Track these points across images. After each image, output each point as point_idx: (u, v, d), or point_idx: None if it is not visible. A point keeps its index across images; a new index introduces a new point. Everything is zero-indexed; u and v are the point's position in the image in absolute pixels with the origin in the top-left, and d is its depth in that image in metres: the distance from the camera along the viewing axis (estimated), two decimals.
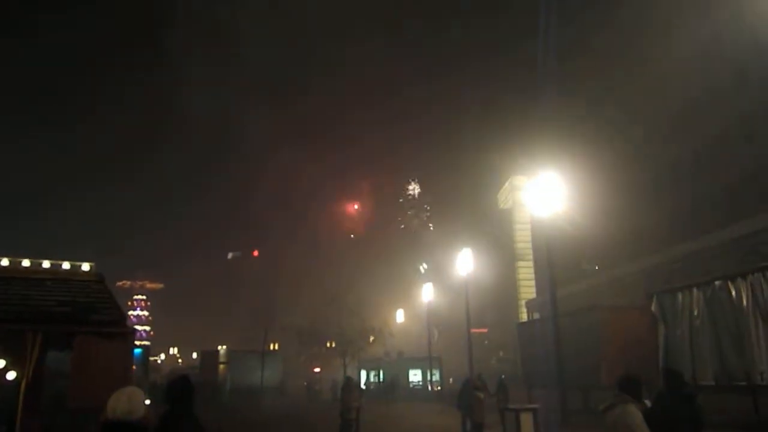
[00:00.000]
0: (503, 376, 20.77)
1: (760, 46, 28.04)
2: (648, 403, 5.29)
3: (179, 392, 4.15)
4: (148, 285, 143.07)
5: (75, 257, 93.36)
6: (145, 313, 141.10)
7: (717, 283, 15.59)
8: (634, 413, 5.02)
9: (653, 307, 18.10)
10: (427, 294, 43.72)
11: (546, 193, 21.85)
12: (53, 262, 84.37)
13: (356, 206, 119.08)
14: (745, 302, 14.37)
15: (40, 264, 79.85)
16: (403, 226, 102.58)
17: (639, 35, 39.30)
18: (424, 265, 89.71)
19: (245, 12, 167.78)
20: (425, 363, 43.04)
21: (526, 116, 56.96)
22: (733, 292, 14.84)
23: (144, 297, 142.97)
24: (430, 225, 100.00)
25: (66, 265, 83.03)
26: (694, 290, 16.39)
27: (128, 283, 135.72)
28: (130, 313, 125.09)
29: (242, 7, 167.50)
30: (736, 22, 29.69)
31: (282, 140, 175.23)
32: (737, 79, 30.50)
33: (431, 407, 30.03)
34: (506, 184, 70.03)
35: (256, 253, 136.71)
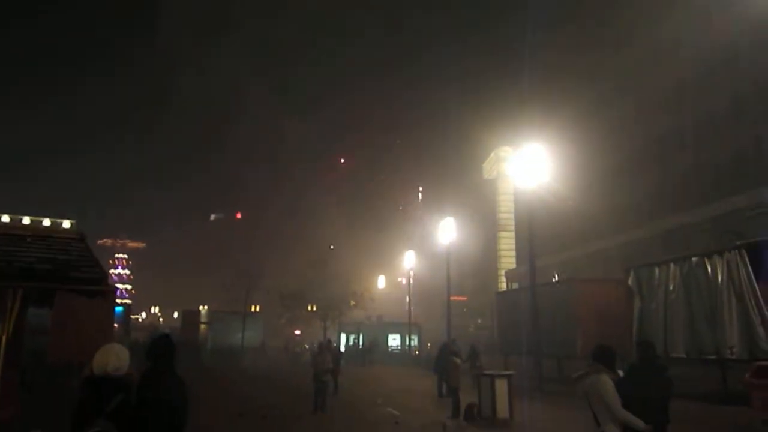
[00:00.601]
0: (473, 344, 21.12)
1: (750, 26, 27.98)
2: (621, 373, 5.44)
3: (161, 350, 4.19)
4: (130, 244, 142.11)
5: (56, 215, 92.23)
6: (127, 271, 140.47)
7: (694, 259, 15.92)
8: (606, 382, 5.16)
9: (630, 281, 18.47)
10: (409, 261, 44.09)
11: (530, 164, 21.92)
12: (33, 218, 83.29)
13: (342, 161, 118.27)
14: (720, 279, 14.72)
15: (20, 220, 78.76)
16: (401, 208, 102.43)
17: (628, 10, 38.98)
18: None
19: None
20: (404, 328, 43.67)
21: (512, 88, 56.62)
22: (709, 269, 15.18)
23: (125, 256, 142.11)
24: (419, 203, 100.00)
25: (46, 222, 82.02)
26: (671, 265, 16.74)
27: (109, 241, 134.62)
28: (111, 271, 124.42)
29: None
30: (726, 0, 29.56)
31: (269, 100, 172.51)
32: (726, 58, 30.48)
33: (409, 371, 30.64)
34: (491, 155, 70.02)
35: (239, 215, 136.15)
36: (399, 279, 70.19)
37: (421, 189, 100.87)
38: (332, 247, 72.68)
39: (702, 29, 31.59)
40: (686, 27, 32.93)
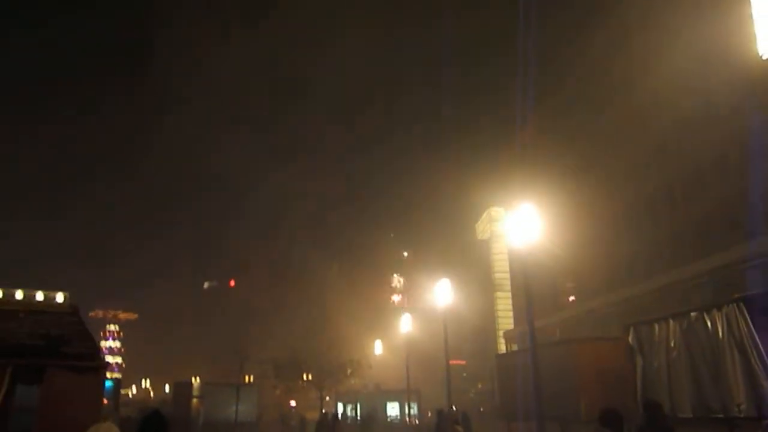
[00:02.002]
0: (464, 412, 20.50)
1: (728, 79, 29.02)
2: None
3: (153, 428, 4.05)
4: (121, 315, 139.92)
5: (48, 285, 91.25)
6: (117, 344, 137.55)
7: (693, 314, 15.78)
8: None
9: (630, 339, 18.20)
10: (406, 325, 43.45)
11: (523, 224, 22.04)
12: (26, 292, 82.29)
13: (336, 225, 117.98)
14: (720, 334, 14.54)
15: (13, 295, 77.70)
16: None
17: (613, 71, 40.49)
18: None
19: (230, 47, 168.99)
20: (403, 395, 42.50)
21: (502, 149, 57.87)
22: (709, 324, 15.01)
23: (117, 327, 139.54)
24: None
25: (39, 296, 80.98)
26: (671, 321, 16.56)
27: (101, 312, 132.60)
28: (102, 344, 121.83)
29: (227, 42, 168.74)
30: (705, 56, 30.77)
31: (262, 171, 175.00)
32: (708, 114, 31.38)
33: None
34: (484, 215, 70.62)
35: (233, 283, 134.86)
36: (396, 344, 69.08)
37: (414, 251, 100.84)
38: (327, 314, 71.85)
39: (682, 85, 32.73)
40: (666, 83, 34.12)
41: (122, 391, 66.58)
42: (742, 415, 13.71)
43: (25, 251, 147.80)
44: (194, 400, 42.72)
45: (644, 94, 36.34)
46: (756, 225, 26.95)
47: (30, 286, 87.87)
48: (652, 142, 36.09)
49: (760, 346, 13.54)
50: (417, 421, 40.92)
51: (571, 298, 44.32)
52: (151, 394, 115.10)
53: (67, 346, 5.09)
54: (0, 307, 5.92)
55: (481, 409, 44.50)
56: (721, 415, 14.51)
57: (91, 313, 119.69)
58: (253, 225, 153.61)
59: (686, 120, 32.76)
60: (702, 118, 31.76)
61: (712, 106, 31.06)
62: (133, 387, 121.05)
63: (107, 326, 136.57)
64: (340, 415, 36.51)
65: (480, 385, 61.86)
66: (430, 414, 40.58)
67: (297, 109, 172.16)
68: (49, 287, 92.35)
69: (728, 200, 30.12)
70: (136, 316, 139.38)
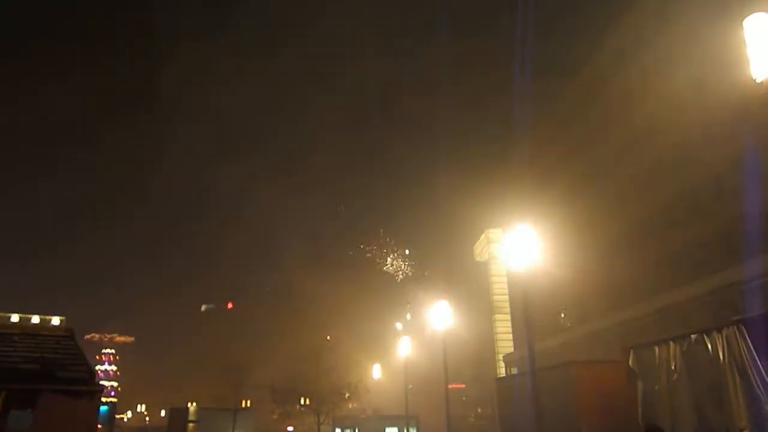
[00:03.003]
0: None
1: (723, 102, 29.29)
2: None
3: None
4: (118, 338, 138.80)
5: (44, 310, 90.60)
6: (113, 367, 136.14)
7: (693, 336, 15.67)
8: None
9: (631, 362, 18.05)
10: (404, 349, 43.06)
11: (521, 246, 22.00)
12: (23, 315, 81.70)
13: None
14: (721, 357, 14.42)
15: (9, 318, 77.06)
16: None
17: (611, 91, 40.90)
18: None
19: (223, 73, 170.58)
20: (402, 421, 41.92)
21: (501, 170, 58.16)
22: (710, 346, 14.90)
23: (112, 351, 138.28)
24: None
25: (35, 319, 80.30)
26: (671, 344, 16.44)
27: (97, 336, 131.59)
28: (98, 367, 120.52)
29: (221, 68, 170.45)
30: (701, 79, 31.12)
31: (258, 194, 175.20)
32: (703, 136, 31.62)
33: None
34: (482, 236, 70.55)
35: (230, 305, 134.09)
36: (395, 368, 68.45)
37: (411, 273, 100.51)
38: (328, 338, 71.28)
39: (678, 107, 33.04)
40: (662, 105, 34.45)
41: (117, 416, 65.62)
42: None
43: (21, 276, 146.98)
44: (190, 425, 42.15)
45: (641, 116, 36.66)
46: (752, 246, 26.97)
47: (26, 311, 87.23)
48: (650, 164, 36.28)
49: (762, 368, 13.43)
50: None
51: (571, 320, 44.07)
52: (147, 419, 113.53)
53: (62, 370, 5.03)
54: None
55: None
56: None
57: (87, 336, 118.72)
58: (251, 249, 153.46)
59: (683, 142, 32.99)
60: (698, 141, 32.00)
61: (707, 129, 31.31)
62: (129, 412, 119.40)
63: (103, 350, 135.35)
64: None
65: (480, 410, 61.17)
66: None
67: (296, 131, 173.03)
68: (46, 312, 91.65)
69: (725, 222, 30.18)
70: (132, 339, 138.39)
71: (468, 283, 71.73)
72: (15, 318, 77.95)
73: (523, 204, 37.98)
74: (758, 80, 16.62)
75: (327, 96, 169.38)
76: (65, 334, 5.58)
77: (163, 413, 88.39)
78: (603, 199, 40.69)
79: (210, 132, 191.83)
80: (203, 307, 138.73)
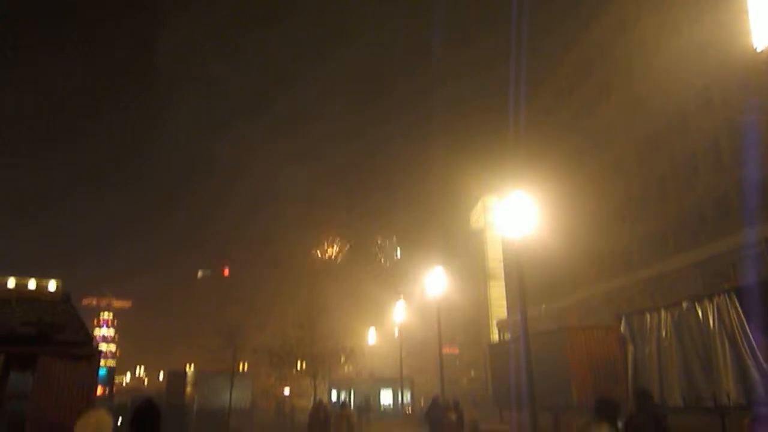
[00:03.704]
0: (455, 399, 20.40)
1: (723, 71, 29.04)
2: (620, 425, 5.34)
3: (146, 416, 4.03)
4: (115, 303, 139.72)
5: (41, 272, 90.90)
6: (111, 331, 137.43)
7: (684, 304, 15.89)
8: None
9: (622, 328, 18.34)
10: (399, 314, 43.59)
11: (516, 213, 22.07)
12: (19, 280, 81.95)
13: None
14: (711, 324, 14.66)
15: (5, 283, 77.37)
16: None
17: (608, 59, 40.44)
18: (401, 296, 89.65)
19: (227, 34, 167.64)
20: (397, 383, 42.72)
21: (497, 138, 57.90)
22: (700, 314, 15.13)
23: (110, 315, 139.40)
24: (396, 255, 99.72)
25: (32, 284, 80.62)
26: (662, 311, 16.68)
27: (95, 300, 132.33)
28: (96, 331, 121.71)
29: (224, 27, 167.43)
30: (701, 48, 30.76)
31: (257, 161, 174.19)
32: (702, 103, 31.44)
33: (405, 429, 29.78)
34: (478, 204, 70.69)
35: (226, 272, 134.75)
36: (390, 332, 69.39)
37: (408, 241, 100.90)
38: (321, 303, 71.96)
39: (677, 76, 32.74)
40: (661, 75, 34.12)
41: (116, 379, 66.65)
42: (731, 404, 13.87)
43: (17, 240, 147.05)
44: (188, 388, 42.83)
45: (639, 85, 36.35)
46: (748, 216, 27.11)
47: (22, 275, 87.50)
48: (646, 133, 36.14)
49: (751, 335, 13.67)
50: (410, 410, 41.18)
51: (564, 288, 44.54)
52: (145, 382, 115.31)
53: (60, 333, 5.08)
54: None
55: (473, 398, 44.76)
56: (710, 404, 14.67)
57: (85, 301, 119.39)
58: (247, 215, 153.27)
59: (681, 111, 32.80)
60: (696, 109, 31.81)
61: (706, 97, 31.10)
62: (128, 374, 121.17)
63: (101, 314, 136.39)
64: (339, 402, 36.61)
65: (473, 373, 62.29)
66: (423, 402, 40.81)
67: (293, 101, 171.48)
68: (42, 276, 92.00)
69: (721, 191, 30.26)
70: (129, 303, 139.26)
71: (463, 250, 72.18)
72: (11, 283, 78.28)
73: (519, 172, 37.91)
74: (759, 49, 16.44)
75: (325, 68, 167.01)
76: (62, 298, 5.64)
77: (161, 376, 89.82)
78: (599, 168, 40.66)
79: (207, 102, 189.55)
80: (200, 274, 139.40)
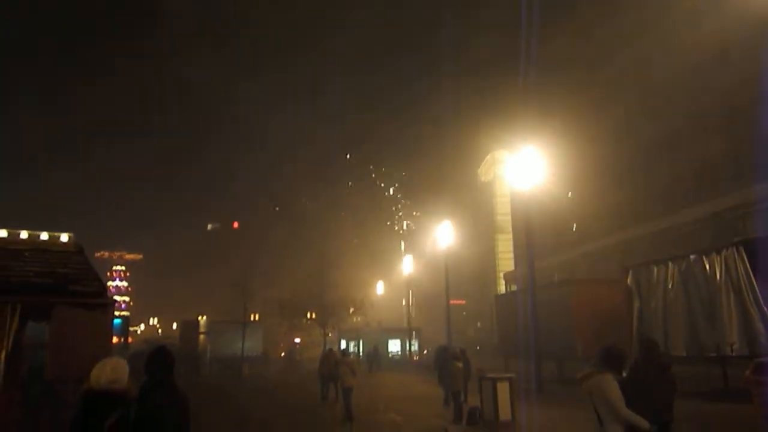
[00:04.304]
0: (461, 348, 20.68)
1: (739, 21, 28.16)
2: (624, 374, 5.44)
3: (159, 362, 4.13)
4: (127, 256, 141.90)
5: (52, 227, 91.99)
6: (125, 283, 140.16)
7: (692, 257, 15.94)
8: (611, 382, 5.17)
9: (629, 281, 18.48)
10: (408, 266, 44.07)
11: (526, 166, 21.96)
12: (31, 232, 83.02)
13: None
14: (718, 276, 14.74)
15: (18, 235, 78.40)
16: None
17: (620, 12, 39.17)
18: (407, 224, 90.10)
19: None
20: (404, 333, 43.58)
21: (507, 91, 56.87)
22: (707, 267, 15.20)
23: (123, 268, 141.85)
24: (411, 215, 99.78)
25: (44, 236, 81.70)
26: (669, 264, 16.75)
27: (106, 254, 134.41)
28: (109, 283, 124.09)
29: None
30: None
31: (269, 114, 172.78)
32: (718, 56, 30.65)
33: (410, 377, 30.54)
34: (487, 157, 70.18)
35: (236, 225, 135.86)
36: (398, 284, 70.27)
37: (417, 194, 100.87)
38: (331, 255, 72.65)
39: (692, 28, 31.78)
40: (676, 27, 33.12)
41: (131, 329, 68.34)
42: (734, 354, 14.08)
43: (29, 193, 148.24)
44: (201, 337, 43.93)
45: (655, 36, 35.30)
46: (761, 169, 26.74)
47: (34, 229, 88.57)
48: (661, 85, 35.37)
49: (757, 288, 13.75)
50: (417, 358, 42.14)
51: (572, 240, 44.63)
52: (159, 331, 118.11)
53: (74, 284, 5.18)
54: (5, 246, 5.98)
55: (477, 347, 45.62)
56: (714, 354, 14.90)
57: (97, 254, 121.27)
58: (257, 168, 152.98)
59: (696, 63, 31.98)
60: (712, 61, 31.02)
61: (723, 50, 30.27)
62: (141, 325, 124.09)
63: (113, 267, 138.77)
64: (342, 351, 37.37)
65: (479, 324, 63.26)
66: (426, 351, 41.69)
67: (307, 55, 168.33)
68: (54, 229, 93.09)
69: (734, 144, 29.80)
70: (141, 256, 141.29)
71: (472, 203, 72.13)
72: (24, 235, 79.35)
73: (529, 126, 37.40)
74: None
75: (340, 29, 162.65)
76: (75, 249, 5.72)
77: (174, 326, 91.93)
78: (611, 121, 40.02)
79: (219, 55, 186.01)
80: (209, 227, 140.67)
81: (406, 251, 52.61)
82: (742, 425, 9.71)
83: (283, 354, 48.50)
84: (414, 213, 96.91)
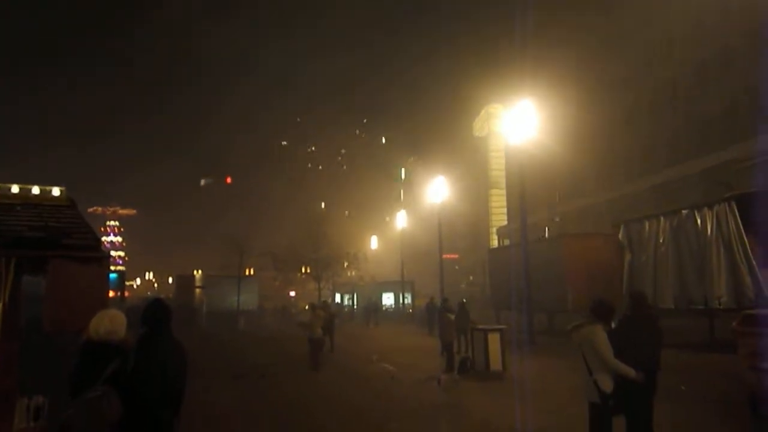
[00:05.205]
0: (462, 301, 20.97)
1: None
2: (613, 325, 5.55)
3: (156, 314, 4.17)
4: (120, 211, 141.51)
5: (43, 182, 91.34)
6: (119, 239, 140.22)
7: (684, 212, 16.05)
8: (600, 332, 5.29)
9: (620, 235, 18.65)
10: (402, 221, 44.21)
11: (520, 121, 21.78)
12: (22, 186, 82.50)
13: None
14: (709, 231, 14.88)
15: (9, 189, 77.92)
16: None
17: None
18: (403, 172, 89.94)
19: None
20: (398, 287, 44.11)
21: (502, 45, 55.87)
22: (699, 221, 15.33)
23: (117, 223, 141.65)
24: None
25: (35, 190, 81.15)
26: (662, 219, 16.89)
27: (100, 209, 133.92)
28: (104, 239, 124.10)
29: None
30: None
31: (259, 68, 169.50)
32: (716, 9, 30.09)
33: (403, 329, 31.12)
34: (482, 112, 69.51)
35: (229, 179, 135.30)
36: (392, 239, 70.67)
37: (412, 149, 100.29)
38: (326, 209, 72.76)
39: None
40: None
41: (127, 283, 68.83)
42: (721, 307, 14.36)
43: (19, 148, 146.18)
44: (197, 291, 44.32)
45: None
46: (756, 125, 26.65)
47: (24, 183, 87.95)
48: (658, 38, 34.82)
49: (747, 243, 13.92)
50: (410, 310, 42.80)
51: (565, 195, 44.77)
52: (155, 285, 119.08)
53: (68, 237, 5.16)
54: None
55: (464, 300, 46.33)
56: (701, 307, 15.20)
57: (90, 210, 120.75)
58: (248, 121, 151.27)
59: (695, 16, 31.41)
60: (711, 14, 30.46)
61: (723, 3, 29.69)
62: (137, 280, 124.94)
63: (107, 222, 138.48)
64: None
65: (471, 278, 64.07)
66: (413, 304, 42.29)
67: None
68: (44, 184, 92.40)
69: (731, 99, 29.60)
70: (134, 212, 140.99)
71: (466, 158, 71.87)
72: (15, 189, 78.84)
73: (524, 80, 36.91)
74: None
75: None
76: (67, 203, 5.68)
77: (170, 280, 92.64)
78: (607, 77, 39.52)
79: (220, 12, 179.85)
80: (202, 182, 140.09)
81: (401, 206, 52.69)
82: (727, 375, 9.99)
83: (282, 306, 49.05)
84: (410, 159, 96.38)
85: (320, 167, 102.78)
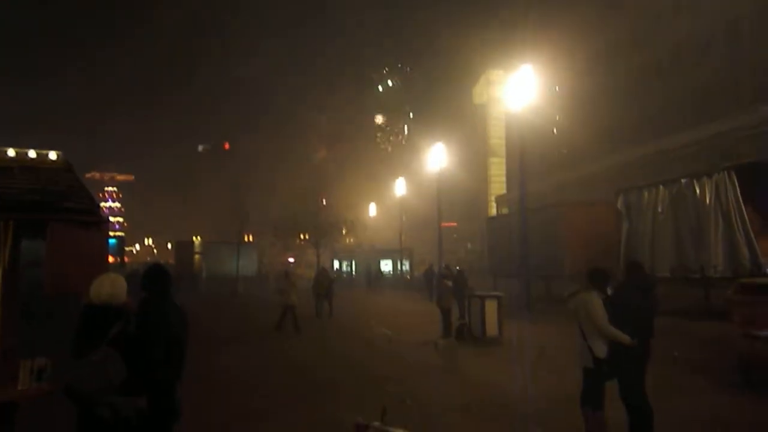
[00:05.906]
0: (462, 270, 21.06)
1: None
2: (609, 292, 5.61)
3: (156, 279, 4.21)
4: (118, 177, 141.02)
5: (40, 146, 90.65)
6: (117, 204, 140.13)
7: (683, 181, 16.05)
8: (595, 299, 5.35)
9: (619, 204, 18.68)
10: (400, 188, 44.14)
11: (521, 88, 21.54)
12: (18, 150, 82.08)
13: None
14: (708, 200, 14.91)
15: (5, 152, 77.48)
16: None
17: None
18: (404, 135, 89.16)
19: None
20: (396, 254, 44.37)
21: (502, 10, 54.88)
22: (698, 191, 15.33)
23: (115, 189, 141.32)
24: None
25: (32, 154, 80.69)
26: (661, 187, 16.88)
27: (97, 174, 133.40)
28: (102, 204, 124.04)
29: None
30: None
31: (259, 31, 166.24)
32: None
33: (402, 294, 31.45)
34: (481, 78, 68.64)
35: (227, 146, 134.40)
36: (391, 206, 70.67)
37: (411, 115, 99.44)
38: (324, 176, 72.53)
39: None
40: None
41: (126, 249, 69.08)
42: (717, 276, 14.49)
43: (15, 111, 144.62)
44: (196, 257, 44.58)
45: None
46: (758, 94, 26.44)
47: (21, 146, 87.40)
48: (660, 5, 34.19)
49: (745, 213, 13.96)
50: (409, 277, 43.17)
51: (564, 163, 44.61)
52: (155, 251, 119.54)
53: (67, 201, 5.15)
54: None
55: (457, 267, 46.67)
56: (698, 276, 15.33)
57: (87, 175, 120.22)
58: (248, 86, 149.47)
59: None
60: None
61: None
62: (137, 245, 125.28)
63: (105, 188, 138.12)
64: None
65: (469, 246, 64.38)
66: (415, 273, 42.62)
67: None
68: (41, 149, 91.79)
69: (736, 66, 29.27)
70: (132, 177, 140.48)
71: (465, 125, 71.29)
72: (11, 152, 78.44)
73: (523, 46, 36.38)
74: None
75: None
76: (64, 167, 5.65)
77: (169, 246, 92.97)
78: (612, 41, 38.91)
79: None
80: (200, 148, 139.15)
81: (400, 173, 52.49)
82: (722, 341, 10.14)
83: (285, 272, 49.31)
84: (409, 114, 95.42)
85: (320, 135, 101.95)
